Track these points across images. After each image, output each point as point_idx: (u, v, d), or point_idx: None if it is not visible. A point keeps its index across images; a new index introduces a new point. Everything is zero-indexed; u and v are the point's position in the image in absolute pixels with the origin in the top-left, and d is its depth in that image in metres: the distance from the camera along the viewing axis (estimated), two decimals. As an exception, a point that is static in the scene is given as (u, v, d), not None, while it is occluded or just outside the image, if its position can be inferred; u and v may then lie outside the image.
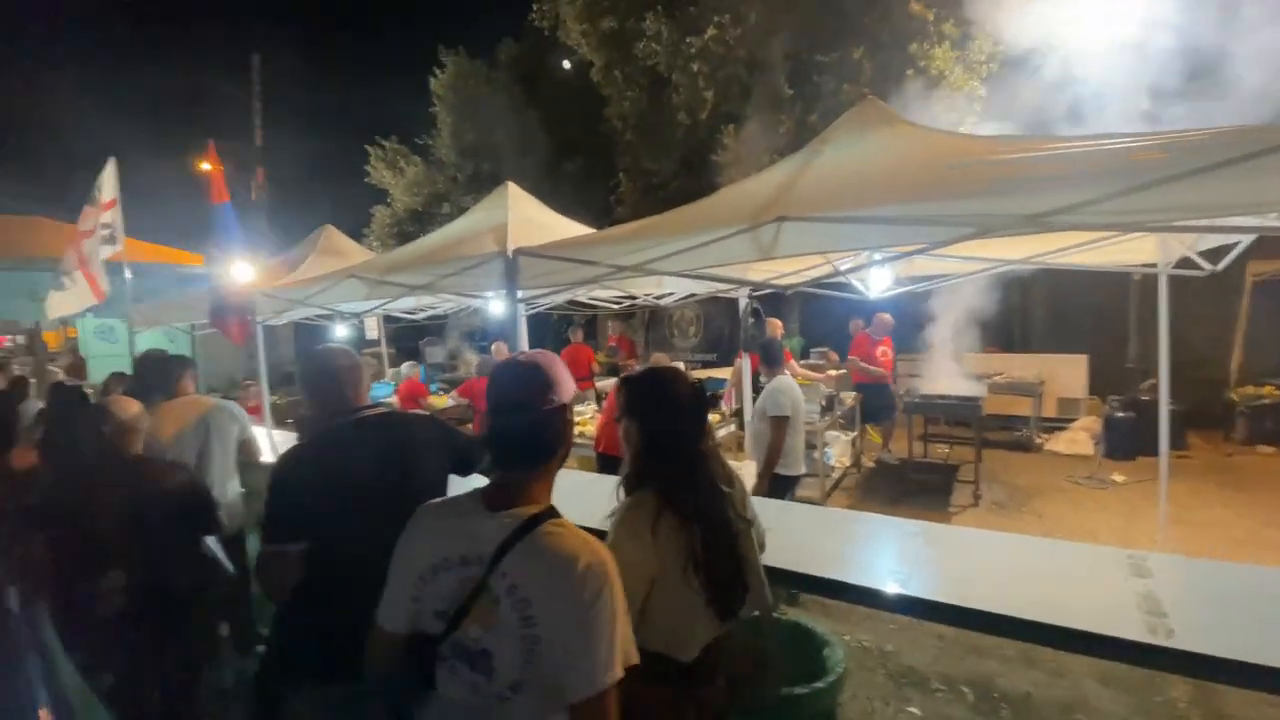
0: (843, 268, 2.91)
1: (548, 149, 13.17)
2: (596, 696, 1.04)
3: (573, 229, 4.24)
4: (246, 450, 3.19)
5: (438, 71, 14.18)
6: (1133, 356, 8.37)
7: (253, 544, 3.18)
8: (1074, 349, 8.29)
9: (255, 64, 16.88)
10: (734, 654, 1.63)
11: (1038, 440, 7.54)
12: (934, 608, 1.99)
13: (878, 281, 3.15)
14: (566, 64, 13.83)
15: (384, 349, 9.50)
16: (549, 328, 12.57)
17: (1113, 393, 7.43)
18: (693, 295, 5.38)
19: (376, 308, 4.89)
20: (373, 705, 1.64)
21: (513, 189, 4.22)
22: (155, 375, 3.05)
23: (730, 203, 2.79)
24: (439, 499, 1.34)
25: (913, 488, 6.05)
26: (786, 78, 8.66)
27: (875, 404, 6.80)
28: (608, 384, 6.81)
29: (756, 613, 1.70)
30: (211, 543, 2.57)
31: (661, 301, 5.57)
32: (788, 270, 3.89)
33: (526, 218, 3.93)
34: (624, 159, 11.57)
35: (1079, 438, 7.37)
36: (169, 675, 2.18)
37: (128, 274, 7.22)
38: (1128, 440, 6.68)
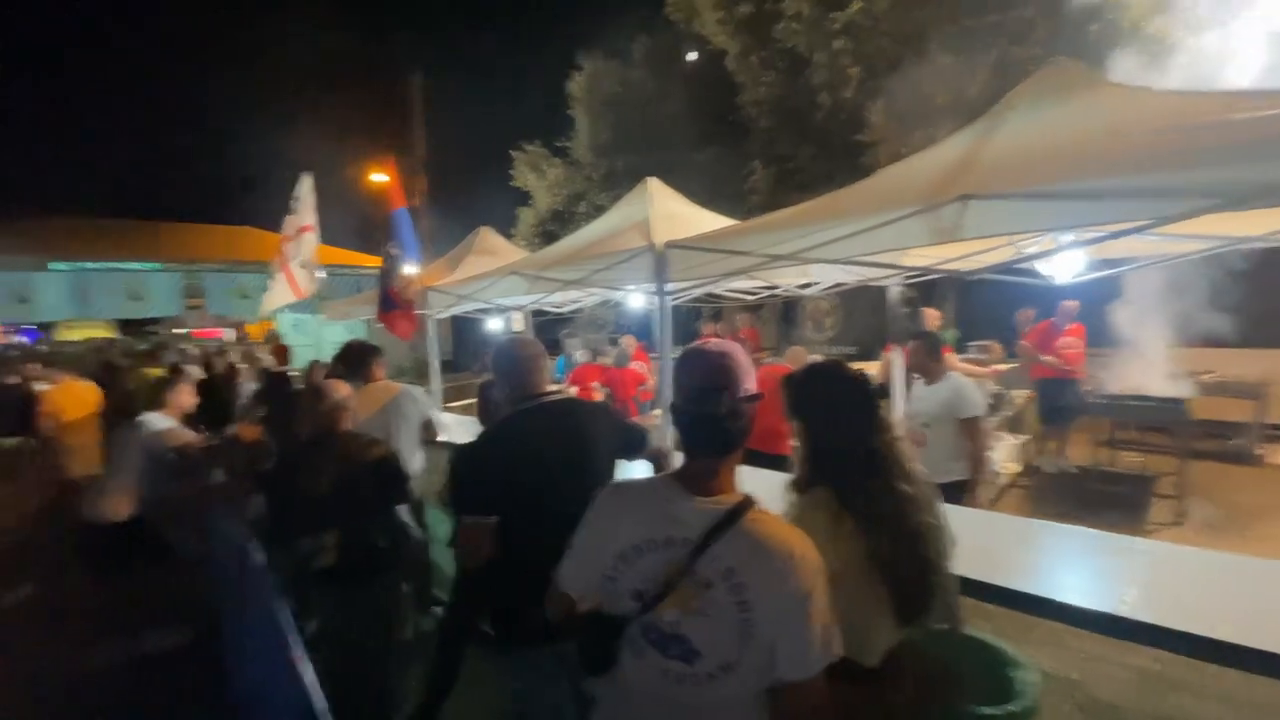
0: (1031, 251, 2.60)
1: (680, 142, 13.23)
2: (815, 678, 1.09)
3: (715, 221, 4.21)
4: (427, 430, 3.55)
5: (574, 74, 14.75)
6: (1398, 353, 6.77)
7: (431, 515, 3.53)
8: (1311, 343, 6.86)
9: (417, 81, 18.48)
10: (919, 664, 1.53)
11: (1259, 451, 6.33)
12: (1151, 630, 1.75)
13: (1069, 266, 2.78)
14: (693, 55, 13.78)
15: (531, 341, 10.09)
16: (677, 321, 12.64)
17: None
18: (839, 284, 5.12)
19: (534, 302, 5.18)
20: (547, 672, 1.76)
21: (653, 184, 4.27)
22: (356, 362, 3.48)
23: (898, 182, 2.62)
24: (628, 479, 1.39)
25: (1097, 500, 5.30)
26: (942, 46, 7.98)
27: (1059, 402, 5.96)
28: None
29: (945, 625, 1.58)
30: (403, 510, 2.88)
31: (805, 291, 5.37)
32: (952, 255, 3.58)
33: (669, 212, 3.97)
34: (757, 146, 11.34)
35: (1318, 450, 6.11)
36: (365, 626, 2.47)
37: (321, 274, 8.28)
38: (1391, 455, 5.44)
